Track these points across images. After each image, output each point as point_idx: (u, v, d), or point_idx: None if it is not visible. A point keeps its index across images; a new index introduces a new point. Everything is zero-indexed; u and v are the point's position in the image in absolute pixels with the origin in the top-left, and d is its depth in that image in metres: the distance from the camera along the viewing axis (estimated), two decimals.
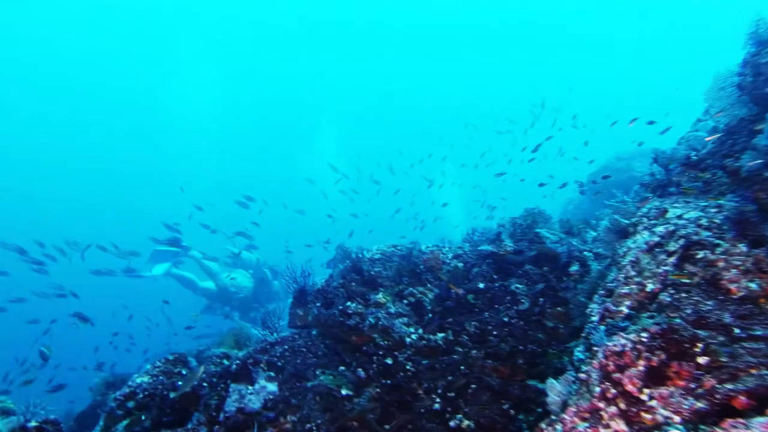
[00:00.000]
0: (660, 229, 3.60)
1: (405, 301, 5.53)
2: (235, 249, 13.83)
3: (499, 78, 45.29)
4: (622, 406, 2.43)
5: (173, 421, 4.77)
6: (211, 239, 14.45)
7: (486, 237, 6.66)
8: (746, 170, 3.55)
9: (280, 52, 43.17)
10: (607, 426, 2.40)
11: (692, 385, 2.31)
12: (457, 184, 19.53)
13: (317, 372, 4.80)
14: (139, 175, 50.40)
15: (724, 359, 2.35)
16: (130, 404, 4.81)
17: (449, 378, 4.51)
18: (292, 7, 38.93)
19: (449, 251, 6.20)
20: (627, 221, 4.30)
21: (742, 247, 2.97)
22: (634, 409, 2.38)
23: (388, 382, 4.58)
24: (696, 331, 2.56)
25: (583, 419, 2.54)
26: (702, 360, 2.39)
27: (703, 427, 2.13)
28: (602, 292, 3.71)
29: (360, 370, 4.77)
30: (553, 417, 2.88)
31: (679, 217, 3.58)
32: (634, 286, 3.32)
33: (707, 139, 4.49)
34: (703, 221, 3.33)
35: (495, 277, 5.61)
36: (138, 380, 5.08)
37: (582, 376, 2.82)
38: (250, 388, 4.57)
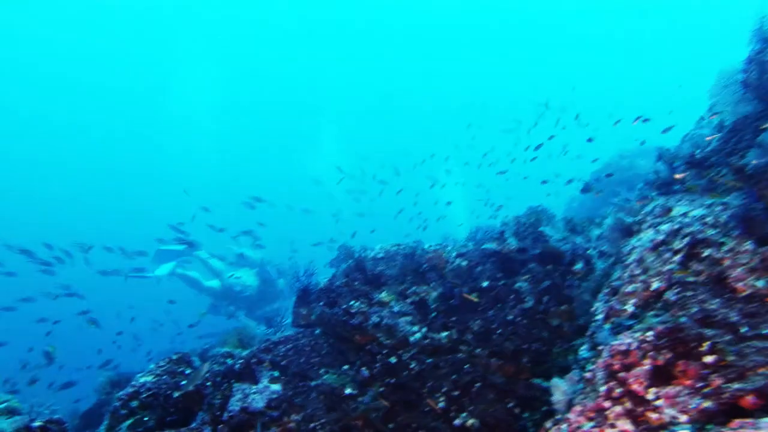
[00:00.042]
0: (665, 227, 3.58)
1: (409, 300, 5.51)
2: (240, 248, 13.84)
3: (502, 77, 45.23)
4: (628, 405, 2.42)
5: (177, 420, 4.77)
6: (216, 239, 14.46)
7: (490, 235, 6.64)
8: (752, 168, 3.53)
9: (280, 51, 43.17)
10: (613, 425, 2.39)
11: (699, 385, 2.29)
12: (460, 183, 19.48)
13: (321, 371, 4.79)
14: (142, 175, 50.47)
15: (731, 358, 2.33)
16: (134, 404, 4.81)
17: (453, 377, 4.50)
18: (292, 6, 38.91)
19: (453, 250, 6.18)
20: (631, 219, 4.28)
21: (749, 245, 2.95)
22: (640, 409, 2.37)
23: (392, 381, 4.57)
24: (702, 329, 2.54)
25: (589, 419, 2.53)
26: (709, 359, 2.37)
27: (710, 426, 2.11)
28: (607, 290, 3.69)
29: (364, 369, 4.77)
30: (558, 416, 2.86)
31: (684, 215, 3.57)
32: (639, 285, 3.30)
33: (708, 138, 4.48)
34: (709, 219, 3.31)
35: (499, 275, 5.60)
36: (141, 380, 5.08)
37: (587, 375, 2.81)
38: (253, 387, 4.57)
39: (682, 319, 2.66)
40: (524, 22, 39.79)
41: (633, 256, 3.64)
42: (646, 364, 2.49)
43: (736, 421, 2.02)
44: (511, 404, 4.15)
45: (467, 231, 7.14)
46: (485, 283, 5.47)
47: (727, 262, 2.91)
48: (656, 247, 3.47)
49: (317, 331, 5.41)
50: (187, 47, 37.86)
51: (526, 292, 5.27)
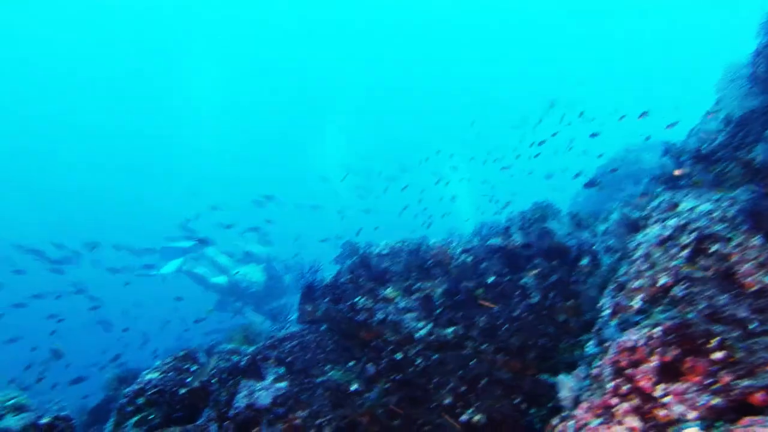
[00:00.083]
0: (672, 222, 3.55)
1: (414, 296, 5.50)
2: (247, 245, 13.88)
3: (509, 73, 45.02)
4: (636, 402, 2.40)
5: (183, 417, 4.78)
6: (224, 235, 14.50)
7: (495, 231, 6.62)
8: (760, 162, 3.50)
9: (287, 48, 43.08)
10: (621, 422, 2.37)
11: (708, 381, 2.27)
12: (465, 179, 19.47)
13: (326, 367, 4.79)
14: (150, 172, 50.56)
15: (740, 354, 2.31)
16: (140, 401, 4.82)
17: (459, 372, 4.49)
18: (299, 3, 38.82)
19: (458, 245, 6.17)
20: (638, 214, 4.26)
21: (757, 240, 2.93)
22: (648, 406, 2.35)
23: (398, 377, 4.57)
24: (710, 325, 2.52)
25: (596, 415, 2.51)
26: (717, 355, 2.34)
27: (719, 424, 2.10)
28: (613, 286, 3.67)
29: (369, 365, 4.76)
30: (565, 413, 2.85)
31: (691, 210, 3.54)
32: (646, 280, 3.28)
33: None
34: (716, 214, 3.29)
35: (504, 271, 5.58)
36: (147, 377, 5.09)
37: (594, 371, 2.79)
38: (259, 383, 4.58)
39: (690, 315, 2.64)
40: (530, 18, 39.60)
41: (639, 252, 3.61)
42: (654, 361, 2.47)
43: (746, 419, 2.00)
44: (517, 400, 4.14)
45: (473, 226, 7.13)
46: (491, 279, 5.45)
47: (735, 258, 2.89)
48: (663, 243, 3.44)
49: (323, 328, 5.42)
50: (195, 44, 37.86)
51: (532, 287, 5.25)
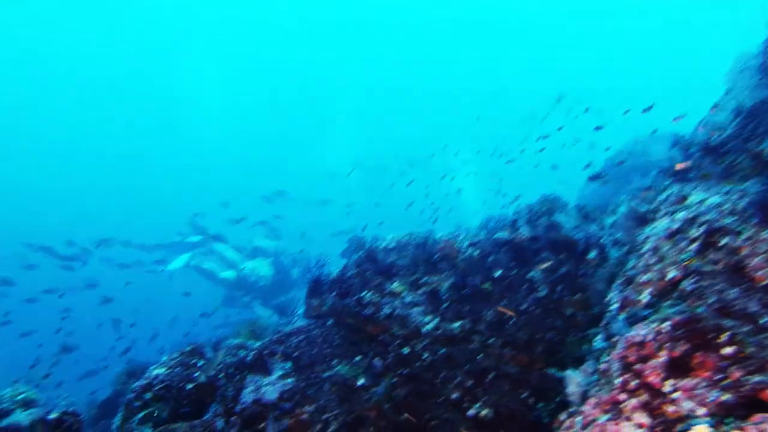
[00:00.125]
0: (680, 215, 3.51)
1: (421, 290, 5.48)
2: (255, 239, 13.92)
3: (517, 67, 44.77)
4: (644, 398, 2.38)
5: (190, 412, 4.79)
6: (232, 230, 14.54)
7: (502, 224, 6.59)
8: None
9: (293, 44, 42.96)
10: (629, 418, 2.35)
11: (717, 377, 2.24)
12: (472, 173, 19.40)
13: (333, 362, 4.79)
14: (158, 169, 50.74)
15: (750, 350, 2.28)
16: (148, 396, 4.84)
17: (467, 367, 4.47)
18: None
19: (465, 239, 6.14)
20: (646, 207, 4.22)
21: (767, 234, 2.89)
22: (657, 401, 2.33)
23: (405, 371, 4.55)
24: (720, 320, 2.48)
25: (604, 411, 2.49)
26: (727, 350, 2.31)
27: (729, 420, 2.07)
28: (622, 280, 3.64)
29: (376, 360, 4.75)
30: (573, 408, 2.83)
31: (700, 202, 3.50)
32: (654, 274, 3.25)
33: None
34: (726, 207, 3.24)
35: (512, 264, 5.55)
36: (155, 372, 5.10)
37: (602, 366, 2.76)
38: (266, 379, 4.58)
39: (700, 310, 2.61)
40: (537, 12, 39.32)
41: (648, 245, 3.58)
42: (663, 356, 2.44)
43: (758, 416, 1.97)
44: (525, 394, 4.12)
45: (479, 220, 7.10)
46: (498, 273, 5.43)
47: (745, 251, 2.85)
48: (672, 236, 3.41)
49: (329, 322, 5.40)
50: (201, 42, 37.86)
51: (539, 281, 5.22)
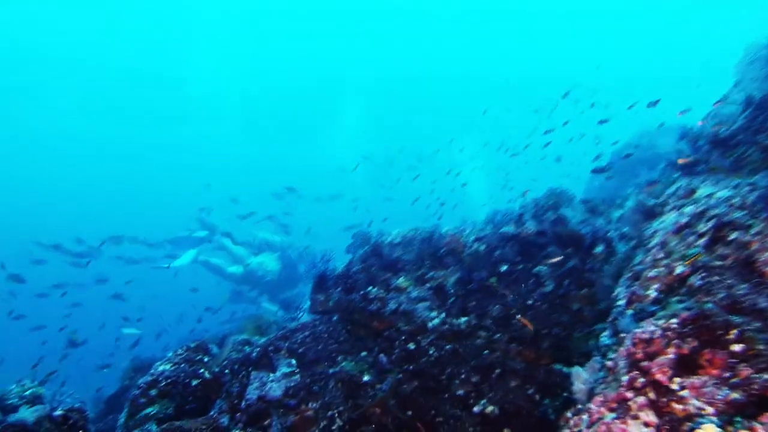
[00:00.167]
0: (689, 209, 3.46)
1: (427, 285, 5.45)
2: (261, 233, 13.92)
3: (525, 60, 44.53)
4: (652, 396, 2.34)
5: (196, 408, 4.79)
6: (240, 226, 14.56)
7: (508, 218, 6.55)
8: None
9: (300, 38, 42.87)
10: (636, 417, 2.31)
11: (726, 375, 2.20)
12: (479, 167, 19.36)
13: (339, 358, 4.77)
14: (164, 164, 50.93)
15: (760, 347, 2.23)
16: (153, 392, 4.84)
17: (473, 363, 4.44)
18: None
19: (471, 233, 6.10)
20: (653, 201, 4.16)
21: None
22: (664, 400, 2.28)
23: (411, 367, 4.53)
24: (729, 316, 2.44)
25: (611, 409, 2.45)
26: (736, 347, 2.27)
27: (739, 419, 2.03)
28: (629, 274, 3.59)
29: (382, 355, 4.73)
30: (579, 406, 2.79)
31: (709, 196, 3.45)
32: (662, 269, 3.20)
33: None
34: (735, 200, 3.19)
35: (518, 259, 5.51)
36: (160, 368, 5.10)
37: (609, 363, 2.73)
38: (271, 375, 4.56)
39: (708, 306, 2.56)
40: (545, 6, 39.08)
41: (655, 240, 3.53)
42: (671, 353, 2.40)
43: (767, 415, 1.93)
44: (531, 390, 4.09)
45: (485, 214, 7.06)
46: (504, 268, 5.39)
47: (755, 246, 2.79)
48: (680, 230, 3.36)
49: (335, 318, 5.39)
50: (209, 31, 37.84)
51: (545, 275, 5.18)
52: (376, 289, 5.37)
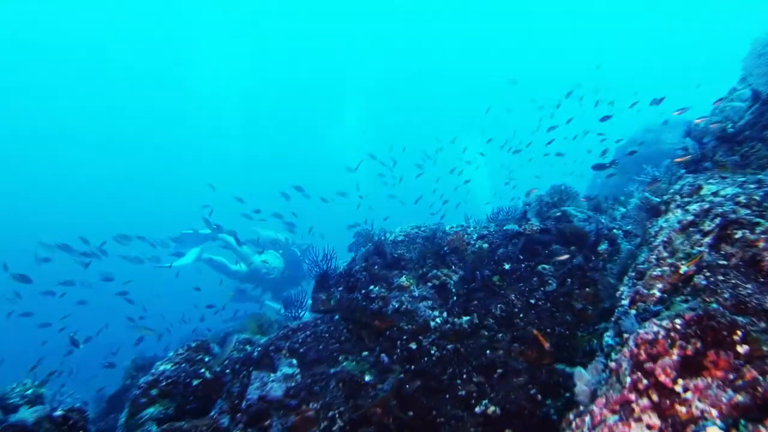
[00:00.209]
0: (694, 207, 3.40)
1: (429, 284, 5.41)
2: (265, 231, 13.92)
3: (527, 59, 44.41)
4: (655, 398, 2.29)
5: (196, 408, 4.76)
6: (245, 224, 14.57)
7: (512, 216, 6.51)
8: None
9: (305, 36, 42.87)
10: (639, 419, 2.26)
11: (731, 377, 2.15)
12: (483, 164, 19.31)
13: (340, 358, 4.73)
14: (166, 159, 51.02)
15: (766, 348, 2.18)
16: (154, 392, 4.81)
17: (475, 363, 4.40)
18: None
19: (474, 232, 6.05)
20: (658, 199, 4.10)
21: None
22: (668, 402, 2.24)
23: (412, 367, 4.49)
24: (734, 317, 2.39)
25: (614, 412, 2.41)
26: (742, 349, 2.22)
27: (744, 423, 1.98)
28: (633, 273, 3.54)
29: (383, 355, 4.69)
30: (582, 408, 2.75)
31: (715, 194, 3.39)
32: (666, 268, 3.15)
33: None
34: (741, 198, 3.13)
35: (521, 257, 5.46)
36: (161, 368, 5.08)
37: (612, 364, 2.68)
38: (272, 375, 4.53)
39: (713, 306, 2.51)
40: (549, 5, 38.98)
41: (660, 238, 3.47)
42: (674, 354, 2.35)
43: None
44: (533, 391, 4.04)
45: (489, 211, 7.02)
46: (507, 266, 5.33)
47: (761, 244, 2.74)
48: (685, 228, 3.30)
49: (336, 317, 5.35)
50: (211, 27, 37.87)
51: (549, 274, 5.13)
52: (378, 287, 5.33)
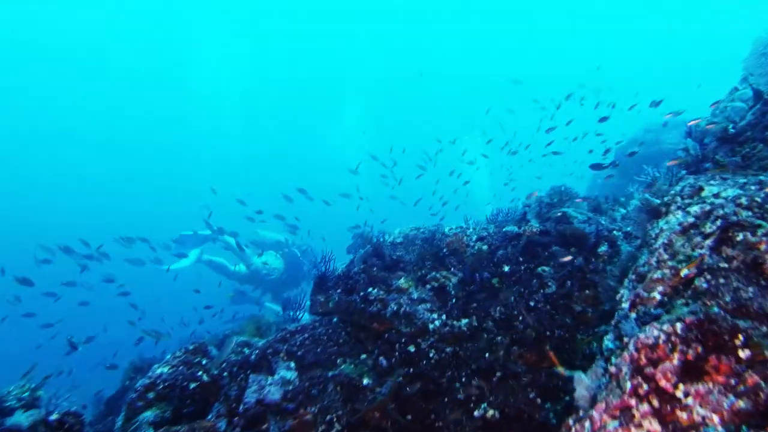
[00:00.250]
0: (695, 208, 3.37)
1: (428, 286, 5.37)
2: (265, 232, 13.91)
3: (527, 59, 44.35)
4: (656, 403, 2.26)
5: (194, 411, 4.73)
6: (247, 226, 14.55)
7: (511, 217, 6.47)
8: None
9: (304, 36, 42.85)
10: (639, 425, 2.23)
11: (733, 382, 2.12)
12: (483, 166, 19.30)
13: (338, 361, 4.70)
14: (166, 159, 51.00)
15: None
16: (150, 395, 4.78)
17: (474, 366, 4.37)
18: None
19: (473, 233, 6.02)
20: (659, 200, 4.07)
21: None
22: (668, 407, 2.21)
23: (411, 370, 4.46)
24: (736, 320, 2.36)
25: (614, 417, 2.37)
26: (743, 353, 2.19)
27: (746, 429, 1.95)
28: (633, 276, 3.50)
29: (382, 358, 4.66)
30: (581, 413, 2.71)
31: (716, 195, 3.35)
32: (667, 271, 3.11)
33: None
34: (743, 200, 3.09)
35: (521, 259, 5.42)
36: (158, 371, 5.05)
37: (612, 369, 2.64)
38: (269, 378, 4.50)
39: (714, 309, 2.48)
40: (551, 6, 38.95)
41: (660, 240, 3.44)
42: (675, 359, 2.32)
43: None
44: (532, 394, 4.01)
45: (489, 212, 6.99)
46: (507, 268, 5.30)
47: (763, 247, 2.70)
48: (685, 230, 3.27)
49: (334, 320, 5.32)
50: (212, 27, 37.85)
51: (548, 276, 5.09)
52: (376, 290, 5.30)
